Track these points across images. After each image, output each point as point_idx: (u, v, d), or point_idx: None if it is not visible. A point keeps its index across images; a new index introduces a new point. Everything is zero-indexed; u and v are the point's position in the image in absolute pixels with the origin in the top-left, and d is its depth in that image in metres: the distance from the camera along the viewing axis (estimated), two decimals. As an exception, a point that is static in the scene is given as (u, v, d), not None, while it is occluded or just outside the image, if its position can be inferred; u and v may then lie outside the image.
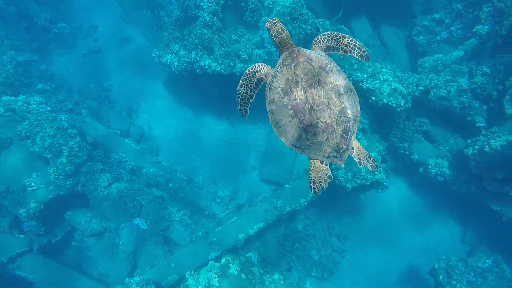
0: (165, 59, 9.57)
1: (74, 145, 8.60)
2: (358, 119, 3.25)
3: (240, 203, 9.80)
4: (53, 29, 12.18)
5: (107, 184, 8.92)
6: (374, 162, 3.36)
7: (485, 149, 7.44)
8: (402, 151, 8.82)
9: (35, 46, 12.03)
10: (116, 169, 9.43)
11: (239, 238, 8.44)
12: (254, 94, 3.46)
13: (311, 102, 3.01)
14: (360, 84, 8.03)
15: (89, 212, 8.99)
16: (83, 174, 8.73)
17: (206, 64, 9.02)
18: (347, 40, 3.40)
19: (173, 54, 9.47)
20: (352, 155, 3.32)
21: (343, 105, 3.08)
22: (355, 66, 8.14)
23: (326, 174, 3.24)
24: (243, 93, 3.43)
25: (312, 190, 3.23)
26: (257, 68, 3.41)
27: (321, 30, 8.82)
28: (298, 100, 3.04)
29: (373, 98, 7.93)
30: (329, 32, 3.44)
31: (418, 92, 8.41)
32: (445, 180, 8.48)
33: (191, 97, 11.07)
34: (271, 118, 3.27)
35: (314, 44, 3.43)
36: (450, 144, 8.64)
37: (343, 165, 3.28)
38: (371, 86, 7.92)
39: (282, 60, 3.22)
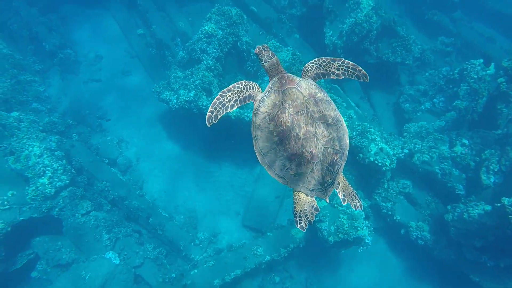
0: (164, 95, 9.87)
1: (59, 168, 8.44)
2: (346, 153, 3.06)
3: (220, 247, 9.52)
4: (59, 54, 12.51)
5: (86, 212, 8.62)
6: (359, 202, 3.19)
7: (464, 216, 7.66)
8: (385, 211, 8.96)
9: (38, 68, 12.25)
10: (98, 198, 9.18)
11: (215, 283, 8.07)
12: (236, 107, 3.19)
13: (297, 129, 2.85)
14: (349, 140, 8.38)
15: (60, 240, 8.55)
16: (62, 198, 8.45)
17: (204, 104, 9.33)
18: (338, 63, 3.24)
19: (173, 92, 9.80)
20: (337, 190, 3.15)
21: (331, 136, 2.93)
22: (346, 123, 8.55)
23: (313, 206, 3.00)
24: (227, 99, 3.15)
25: (299, 225, 2.93)
26: (252, 84, 3.26)
27: None
28: (284, 127, 2.88)
29: (360, 155, 8.25)
30: (317, 59, 3.30)
31: (402, 154, 8.81)
32: (426, 244, 8.54)
33: (184, 136, 11.22)
34: (255, 144, 3.07)
35: (303, 73, 3.32)
36: (431, 209, 8.86)
37: (327, 200, 3.09)
38: (359, 143, 8.28)
39: (271, 85, 3.10)
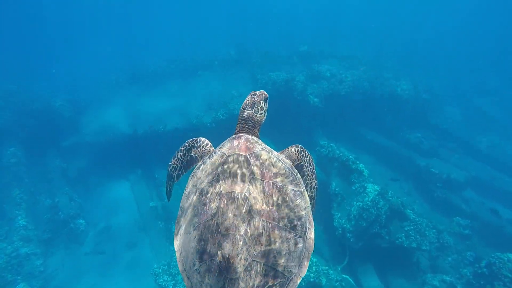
0: (161, 280, 9.22)
1: None
2: (298, 282, 1.94)
3: None
4: (70, 224, 12.70)
5: None
6: None
7: None
8: None
9: (45, 237, 12.24)
10: None
11: None
12: (181, 175, 2.66)
13: (220, 219, 1.94)
14: None
15: None
16: None
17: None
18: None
19: (171, 277, 9.14)
20: None
21: (274, 246, 1.87)
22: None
23: None
24: (172, 168, 2.71)
25: None
26: (197, 143, 2.56)
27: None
28: (207, 208, 2.02)
29: None
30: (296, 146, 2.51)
31: None
32: None
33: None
34: (178, 216, 2.35)
35: (286, 150, 2.50)
36: None
37: None
38: None
39: (223, 144, 2.35)
